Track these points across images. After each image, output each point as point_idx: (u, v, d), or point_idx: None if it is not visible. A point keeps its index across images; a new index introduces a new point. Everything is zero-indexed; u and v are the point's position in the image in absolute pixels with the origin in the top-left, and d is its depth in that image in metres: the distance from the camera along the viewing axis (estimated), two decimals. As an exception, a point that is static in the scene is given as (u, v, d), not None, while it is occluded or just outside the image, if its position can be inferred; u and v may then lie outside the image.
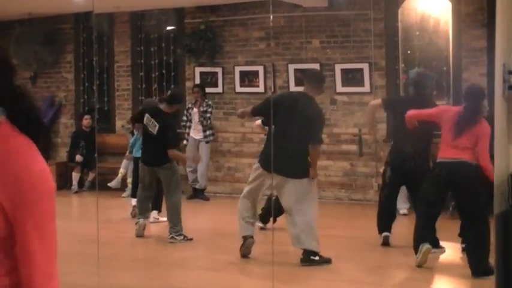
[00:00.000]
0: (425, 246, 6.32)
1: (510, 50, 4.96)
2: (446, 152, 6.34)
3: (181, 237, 7.77)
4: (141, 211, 8.17)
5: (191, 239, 7.80)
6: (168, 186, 7.91)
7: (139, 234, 8.01)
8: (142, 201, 8.20)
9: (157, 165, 7.92)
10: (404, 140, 7.08)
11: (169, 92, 8.75)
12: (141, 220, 8.06)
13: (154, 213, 8.92)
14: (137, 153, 9.02)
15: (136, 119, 8.57)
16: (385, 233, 7.37)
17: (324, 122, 6.91)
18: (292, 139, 6.58)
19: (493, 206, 6.50)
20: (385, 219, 7.40)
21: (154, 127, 7.88)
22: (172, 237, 7.77)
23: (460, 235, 6.98)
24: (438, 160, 6.42)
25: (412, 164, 7.02)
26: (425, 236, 6.40)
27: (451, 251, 7.08)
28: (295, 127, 6.59)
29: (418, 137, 6.93)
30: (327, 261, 6.69)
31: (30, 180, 1.63)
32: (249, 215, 6.96)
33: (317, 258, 6.64)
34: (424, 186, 6.52)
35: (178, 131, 11.21)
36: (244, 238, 6.91)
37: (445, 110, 6.62)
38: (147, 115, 8.01)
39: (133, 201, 9.24)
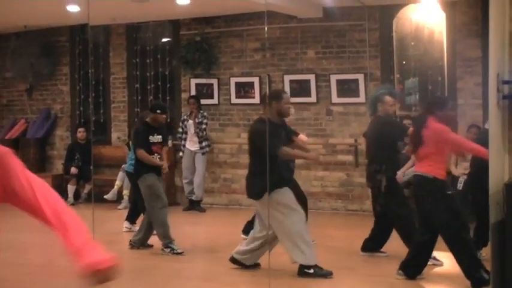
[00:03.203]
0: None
1: (504, 60, 4.98)
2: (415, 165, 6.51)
3: (168, 250, 7.71)
4: (142, 241, 8.08)
5: (181, 253, 7.70)
6: (145, 201, 7.87)
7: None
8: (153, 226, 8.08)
9: (135, 179, 8.03)
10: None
11: None
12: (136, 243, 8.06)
13: (126, 223, 9.09)
14: (129, 168, 8.99)
15: None
16: (363, 253, 7.48)
17: (258, 134, 6.61)
18: (250, 162, 6.84)
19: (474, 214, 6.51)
20: (374, 231, 7.48)
21: None
22: (162, 249, 7.76)
23: None
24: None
25: (385, 183, 7.15)
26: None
27: (451, 261, 7.06)
28: (250, 151, 6.86)
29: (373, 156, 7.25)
30: (325, 274, 6.56)
31: None
32: (246, 249, 6.89)
33: (311, 271, 6.53)
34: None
35: (174, 142, 11.30)
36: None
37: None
38: None
39: (126, 225, 9.15)
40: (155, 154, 7.91)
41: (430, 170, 6.18)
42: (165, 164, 8.04)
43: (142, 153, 7.84)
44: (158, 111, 7.99)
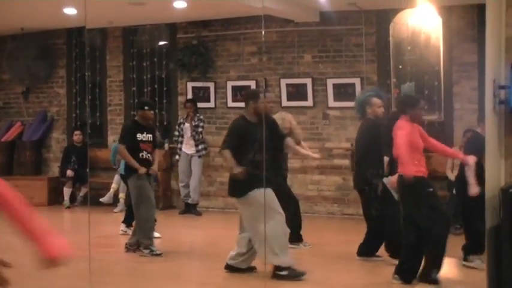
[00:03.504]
0: None
1: (500, 65, 4.99)
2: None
3: (148, 251, 7.69)
4: (137, 243, 7.98)
5: (160, 254, 7.68)
6: (132, 201, 7.85)
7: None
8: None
9: (125, 178, 8.04)
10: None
11: None
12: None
13: (122, 226, 8.96)
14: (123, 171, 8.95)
15: None
16: (358, 258, 7.45)
17: (229, 130, 6.85)
18: None
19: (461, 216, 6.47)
20: (368, 236, 7.48)
21: None
22: (141, 250, 7.74)
23: (462, 248, 7.02)
24: None
25: (381, 188, 7.20)
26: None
27: (447, 266, 7.06)
28: None
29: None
30: (298, 275, 6.51)
31: None
32: (236, 253, 6.87)
33: (284, 272, 6.48)
34: None
35: (171, 145, 11.31)
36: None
37: None
38: None
39: (122, 227, 9.02)
40: (144, 152, 7.78)
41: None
42: (145, 167, 7.75)
43: (123, 150, 7.78)
44: (146, 107, 7.90)
